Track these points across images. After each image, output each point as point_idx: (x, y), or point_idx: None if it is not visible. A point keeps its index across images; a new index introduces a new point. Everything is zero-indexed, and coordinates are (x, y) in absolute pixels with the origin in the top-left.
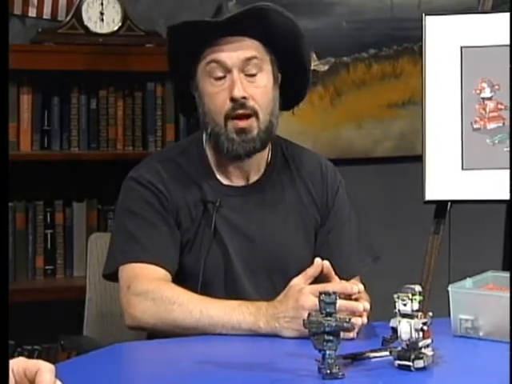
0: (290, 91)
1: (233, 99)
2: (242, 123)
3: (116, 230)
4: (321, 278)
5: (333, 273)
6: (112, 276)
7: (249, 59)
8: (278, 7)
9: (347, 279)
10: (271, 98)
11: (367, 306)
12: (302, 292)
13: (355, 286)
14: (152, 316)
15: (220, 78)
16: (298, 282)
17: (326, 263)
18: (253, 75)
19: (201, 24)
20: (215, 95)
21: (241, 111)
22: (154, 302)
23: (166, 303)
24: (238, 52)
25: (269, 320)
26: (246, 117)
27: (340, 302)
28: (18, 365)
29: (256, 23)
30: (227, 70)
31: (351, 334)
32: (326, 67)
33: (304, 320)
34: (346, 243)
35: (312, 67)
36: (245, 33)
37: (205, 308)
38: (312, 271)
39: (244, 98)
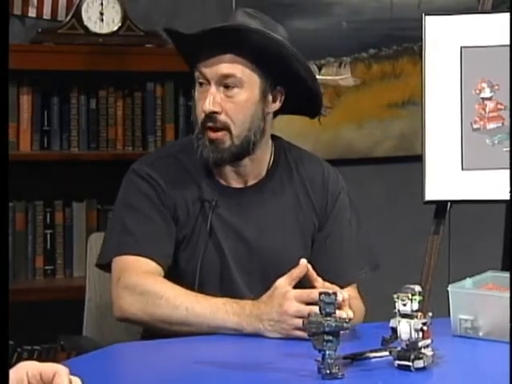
0: (303, 105)
1: (203, 111)
2: (212, 135)
3: (113, 221)
4: (304, 281)
5: (315, 275)
6: (105, 266)
7: (226, 76)
8: (259, 28)
9: (343, 286)
10: (251, 113)
11: (350, 314)
12: (287, 297)
13: (340, 293)
14: (139, 309)
15: (204, 88)
16: (283, 283)
17: (309, 266)
18: (231, 90)
19: (184, 36)
20: (198, 102)
21: (210, 124)
22: (141, 296)
23: (153, 297)
24: (217, 67)
25: (252, 321)
26: (218, 129)
27: None
28: (32, 368)
29: (234, 41)
30: (208, 82)
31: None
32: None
33: (287, 325)
34: (345, 249)
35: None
36: (230, 49)
37: (191, 305)
38: (297, 272)
39: (215, 112)
